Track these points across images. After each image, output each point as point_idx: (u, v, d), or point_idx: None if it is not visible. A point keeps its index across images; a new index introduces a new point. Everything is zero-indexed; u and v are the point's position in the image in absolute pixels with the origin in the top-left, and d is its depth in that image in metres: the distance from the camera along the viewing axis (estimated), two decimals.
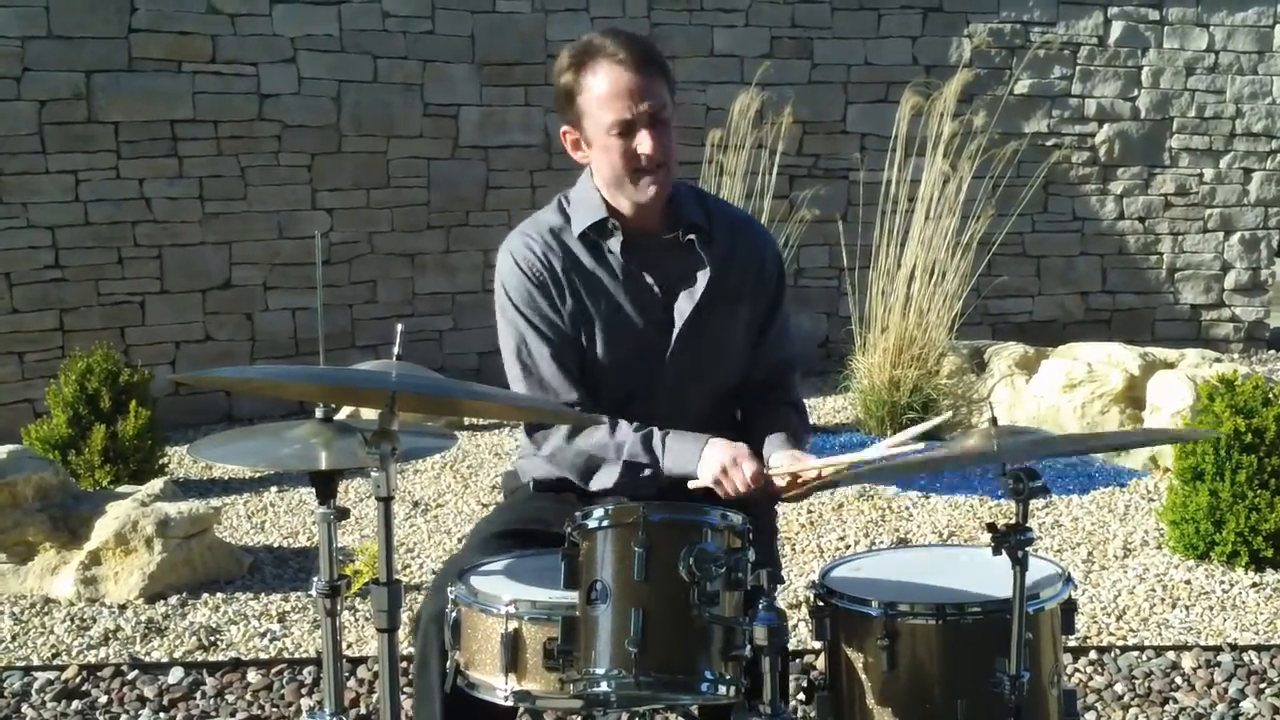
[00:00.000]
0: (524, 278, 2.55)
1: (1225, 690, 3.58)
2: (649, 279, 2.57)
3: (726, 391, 2.67)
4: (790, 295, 2.77)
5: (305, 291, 7.12)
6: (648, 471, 2.48)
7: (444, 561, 4.56)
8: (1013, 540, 2.06)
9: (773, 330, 2.70)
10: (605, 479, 2.52)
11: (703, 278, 2.57)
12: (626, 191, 2.52)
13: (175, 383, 6.56)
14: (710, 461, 2.42)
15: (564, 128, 2.57)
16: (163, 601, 4.28)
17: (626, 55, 2.44)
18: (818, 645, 2.38)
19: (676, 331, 2.57)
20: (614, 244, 2.56)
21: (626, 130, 2.45)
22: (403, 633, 2.20)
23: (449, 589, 2.22)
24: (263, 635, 4.03)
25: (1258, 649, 3.83)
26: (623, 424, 2.51)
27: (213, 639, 4.00)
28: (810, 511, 5.19)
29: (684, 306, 2.57)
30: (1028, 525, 2.08)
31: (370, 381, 2.18)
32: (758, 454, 2.46)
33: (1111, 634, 4.00)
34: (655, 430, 2.50)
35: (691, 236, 2.57)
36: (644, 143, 2.45)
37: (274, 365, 6.63)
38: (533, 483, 2.68)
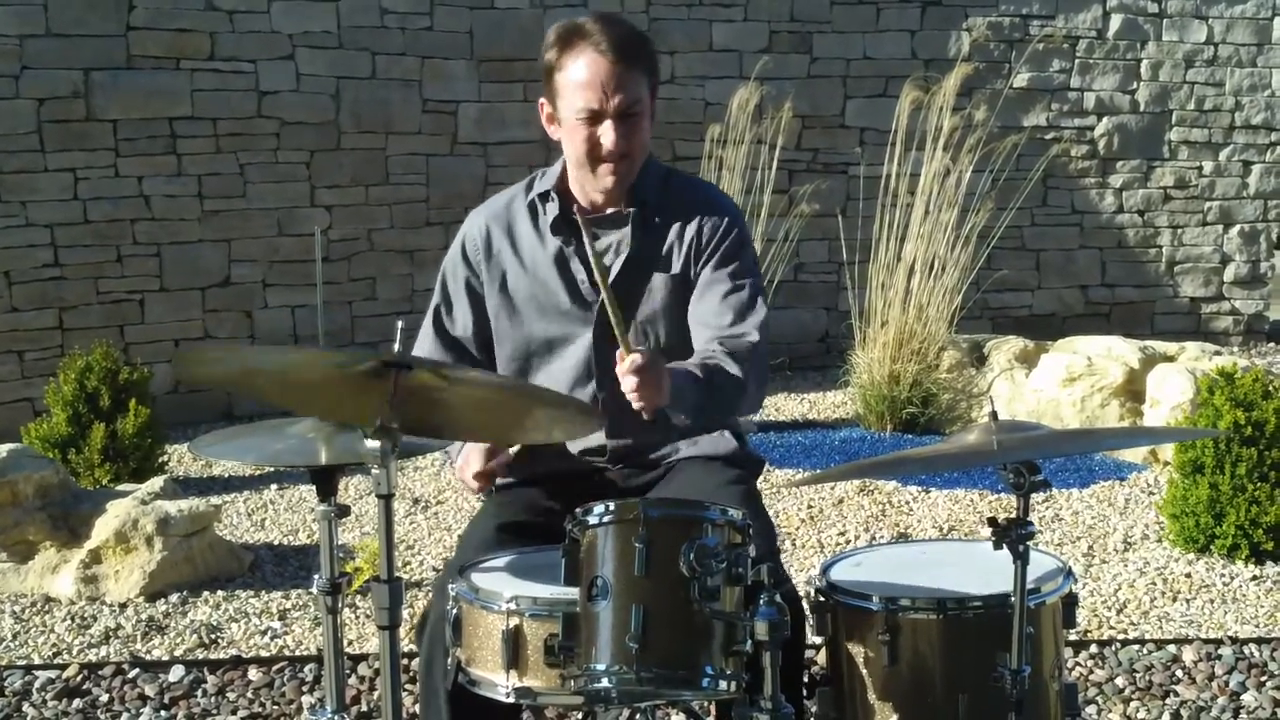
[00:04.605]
0: (458, 256, 2.71)
1: (1226, 683, 3.58)
2: (577, 253, 2.61)
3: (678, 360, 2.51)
4: (748, 263, 2.61)
5: (304, 289, 7.11)
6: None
7: (445, 560, 4.57)
8: (1013, 534, 2.07)
9: (708, 293, 2.56)
10: None
11: (626, 251, 2.60)
12: (586, 177, 2.59)
13: (176, 381, 6.55)
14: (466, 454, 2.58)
15: (541, 99, 2.63)
16: (163, 600, 4.28)
17: (608, 45, 2.48)
18: (819, 640, 2.38)
19: (597, 305, 2.58)
20: (550, 213, 2.63)
21: (593, 119, 2.51)
22: (403, 630, 2.20)
23: (450, 586, 2.22)
24: (263, 633, 4.03)
25: (1258, 642, 3.84)
26: None
27: (213, 637, 4.00)
28: (810, 506, 5.19)
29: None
30: (1028, 519, 2.08)
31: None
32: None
33: (1112, 628, 4.01)
34: None
35: (631, 210, 2.60)
36: (607, 134, 2.51)
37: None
38: None
